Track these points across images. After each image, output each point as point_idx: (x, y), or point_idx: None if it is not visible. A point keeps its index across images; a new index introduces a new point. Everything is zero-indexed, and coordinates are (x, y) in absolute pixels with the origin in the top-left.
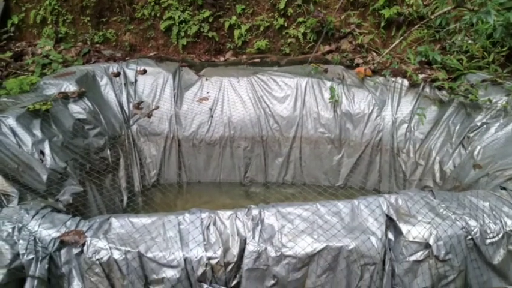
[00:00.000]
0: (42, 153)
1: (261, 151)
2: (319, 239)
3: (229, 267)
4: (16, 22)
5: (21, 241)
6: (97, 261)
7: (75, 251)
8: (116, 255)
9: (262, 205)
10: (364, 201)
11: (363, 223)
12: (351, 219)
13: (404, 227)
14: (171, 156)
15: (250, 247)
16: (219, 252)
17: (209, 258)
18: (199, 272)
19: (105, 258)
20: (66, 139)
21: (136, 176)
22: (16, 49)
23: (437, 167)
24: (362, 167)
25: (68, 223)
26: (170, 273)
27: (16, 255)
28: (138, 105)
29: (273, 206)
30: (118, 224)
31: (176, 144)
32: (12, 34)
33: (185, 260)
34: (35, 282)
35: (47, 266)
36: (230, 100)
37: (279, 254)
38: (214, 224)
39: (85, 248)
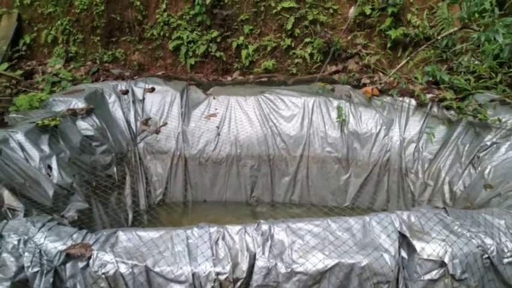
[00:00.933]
0: (49, 167)
1: (268, 170)
2: (330, 255)
3: (238, 283)
4: (28, 42)
5: (26, 253)
6: (103, 275)
7: (81, 264)
8: (123, 269)
9: (272, 220)
10: (376, 218)
11: (375, 240)
12: (363, 236)
13: (417, 244)
14: (177, 174)
15: (260, 263)
16: (228, 268)
17: (218, 274)
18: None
19: (111, 272)
20: (73, 155)
21: (141, 193)
22: (27, 68)
23: (446, 187)
24: (369, 187)
25: (74, 236)
26: None
27: (21, 268)
28: (146, 122)
29: (283, 221)
30: (125, 237)
31: (183, 163)
32: (23, 53)
33: (193, 275)
34: None
35: (51, 279)
36: (237, 118)
37: (289, 270)
38: (223, 238)
39: (91, 261)
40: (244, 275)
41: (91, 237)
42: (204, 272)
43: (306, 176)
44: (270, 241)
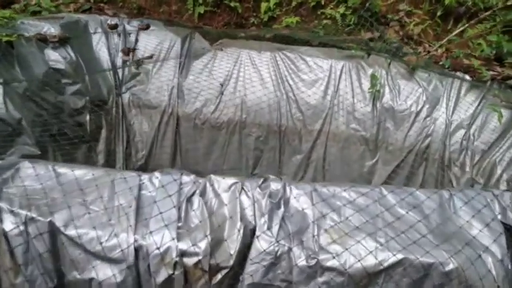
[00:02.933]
0: None
1: (277, 144)
2: (389, 245)
3: (219, 275)
4: None
5: None
6: None
7: None
8: (9, 224)
9: (288, 179)
10: (461, 195)
11: (465, 230)
12: (442, 221)
13: None
14: (166, 136)
15: (262, 244)
16: (203, 246)
17: (182, 254)
18: (160, 277)
19: None
20: (32, 88)
21: (119, 154)
22: None
23: (502, 187)
24: (400, 178)
25: None
26: (105, 271)
27: None
28: (128, 51)
29: (308, 183)
30: (31, 172)
31: (174, 122)
32: None
33: (137, 250)
34: None
35: None
36: (246, 77)
37: (313, 263)
38: (202, 195)
39: None
40: (232, 262)
41: None
42: (158, 248)
43: (323, 156)
44: (283, 209)
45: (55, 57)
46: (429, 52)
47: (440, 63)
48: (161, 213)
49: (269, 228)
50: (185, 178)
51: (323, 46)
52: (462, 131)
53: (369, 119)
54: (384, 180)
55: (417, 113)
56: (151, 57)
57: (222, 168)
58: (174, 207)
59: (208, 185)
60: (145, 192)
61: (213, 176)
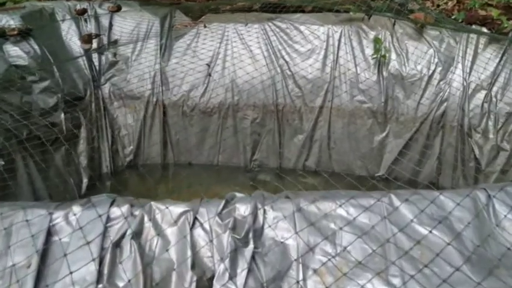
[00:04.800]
0: None
1: (275, 125)
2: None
3: None
4: None
5: None
6: None
7: None
8: None
9: (260, 193)
10: (503, 195)
11: None
12: (481, 239)
13: None
14: (154, 127)
15: None
16: None
17: None
18: None
19: None
20: None
21: (105, 152)
22: None
23: None
24: (414, 151)
25: None
26: None
27: None
28: (88, 38)
29: (287, 196)
30: None
31: (161, 112)
32: None
33: None
34: None
35: None
36: (235, 54)
37: None
38: (138, 235)
39: None
40: None
41: None
42: None
43: (327, 134)
44: (252, 245)
45: (16, 53)
46: (438, 6)
47: (453, 17)
48: (72, 273)
49: (232, 277)
50: (115, 211)
51: (318, 11)
52: (482, 93)
53: (376, 89)
54: (397, 154)
55: (430, 77)
56: (115, 42)
57: (218, 157)
58: (93, 260)
59: (146, 218)
60: (56, 238)
61: (154, 204)
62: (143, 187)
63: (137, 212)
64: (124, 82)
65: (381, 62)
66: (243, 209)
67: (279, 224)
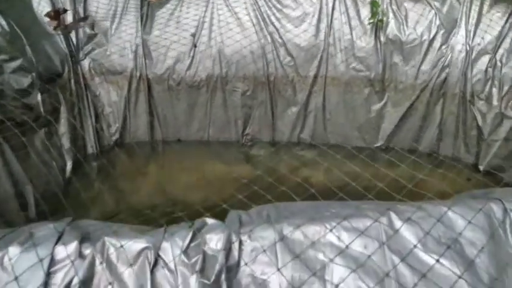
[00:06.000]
0: None
1: (267, 97)
2: None
3: None
4: None
5: None
6: None
7: None
8: None
9: (236, 216)
10: None
11: None
12: (500, 268)
13: None
14: (139, 103)
15: None
16: None
17: None
18: None
19: None
20: None
21: (88, 131)
22: None
23: None
24: (413, 120)
25: None
26: None
27: None
28: (54, 14)
29: (271, 226)
30: None
31: (146, 87)
32: None
33: None
34: None
35: None
36: (221, 22)
37: None
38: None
39: None
40: None
41: None
42: None
43: (322, 105)
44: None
45: None
46: None
47: None
48: None
49: None
50: (61, 251)
51: None
52: (486, 57)
53: (373, 55)
54: (396, 123)
55: (430, 42)
56: (86, 18)
57: (208, 132)
58: None
59: (98, 260)
60: None
61: (108, 240)
62: (133, 166)
63: (87, 251)
64: (104, 56)
65: (378, 27)
66: (214, 241)
67: (259, 258)
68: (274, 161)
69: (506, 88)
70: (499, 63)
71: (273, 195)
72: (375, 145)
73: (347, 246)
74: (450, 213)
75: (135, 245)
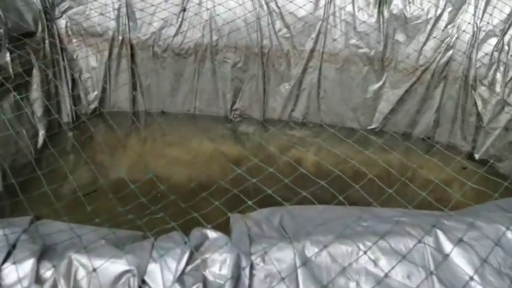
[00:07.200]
0: None
1: (259, 71)
2: None
3: None
4: None
5: None
6: None
7: None
8: None
9: (243, 226)
10: None
11: None
12: None
13: None
14: (120, 70)
15: None
16: None
17: None
18: None
19: None
20: None
21: (64, 98)
22: None
23: None
24: (411, 103)
25: None
26: None
27: None
28: None
29: (283, 226)
30: None
31: (128, 52)
32: None
33: None
34: None
35: None
36: None
37: None
38: None
39: None
40: None
41: None
42: None
43: (317, 82)
44: None
45: None
46: None
47: None
48: None
49: None
50: (11, 272)
51: None
52: (493, 40)
53: (374, 31)
54: (393, 105)
55: (436, 20)
56: None
57: (195, 105)
58: None
59: (62, 286)
60: None
61: (76, 258)
62: (112, 138)
63: (47, 274)
64: (83, 16)
65: (382, 1)
66: (218, 264)
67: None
68: (263, 139)
69: (511, 74)
70: (506, 47)
71: (261, 176)
72: (369, 127)
73: (386, 275)
74: (509, 235)
75: (112, 267)
